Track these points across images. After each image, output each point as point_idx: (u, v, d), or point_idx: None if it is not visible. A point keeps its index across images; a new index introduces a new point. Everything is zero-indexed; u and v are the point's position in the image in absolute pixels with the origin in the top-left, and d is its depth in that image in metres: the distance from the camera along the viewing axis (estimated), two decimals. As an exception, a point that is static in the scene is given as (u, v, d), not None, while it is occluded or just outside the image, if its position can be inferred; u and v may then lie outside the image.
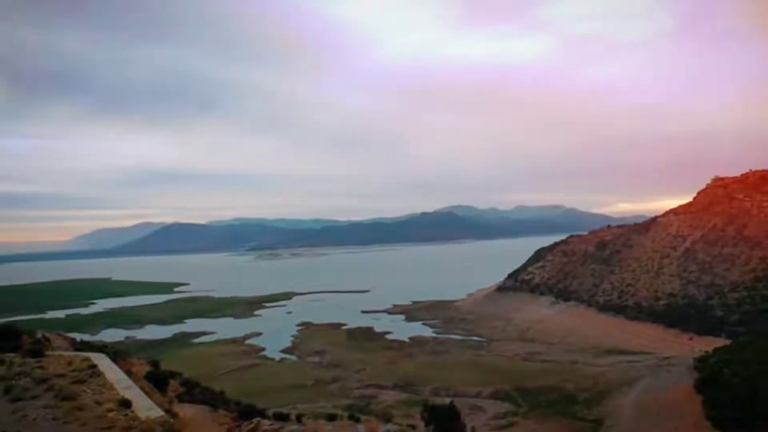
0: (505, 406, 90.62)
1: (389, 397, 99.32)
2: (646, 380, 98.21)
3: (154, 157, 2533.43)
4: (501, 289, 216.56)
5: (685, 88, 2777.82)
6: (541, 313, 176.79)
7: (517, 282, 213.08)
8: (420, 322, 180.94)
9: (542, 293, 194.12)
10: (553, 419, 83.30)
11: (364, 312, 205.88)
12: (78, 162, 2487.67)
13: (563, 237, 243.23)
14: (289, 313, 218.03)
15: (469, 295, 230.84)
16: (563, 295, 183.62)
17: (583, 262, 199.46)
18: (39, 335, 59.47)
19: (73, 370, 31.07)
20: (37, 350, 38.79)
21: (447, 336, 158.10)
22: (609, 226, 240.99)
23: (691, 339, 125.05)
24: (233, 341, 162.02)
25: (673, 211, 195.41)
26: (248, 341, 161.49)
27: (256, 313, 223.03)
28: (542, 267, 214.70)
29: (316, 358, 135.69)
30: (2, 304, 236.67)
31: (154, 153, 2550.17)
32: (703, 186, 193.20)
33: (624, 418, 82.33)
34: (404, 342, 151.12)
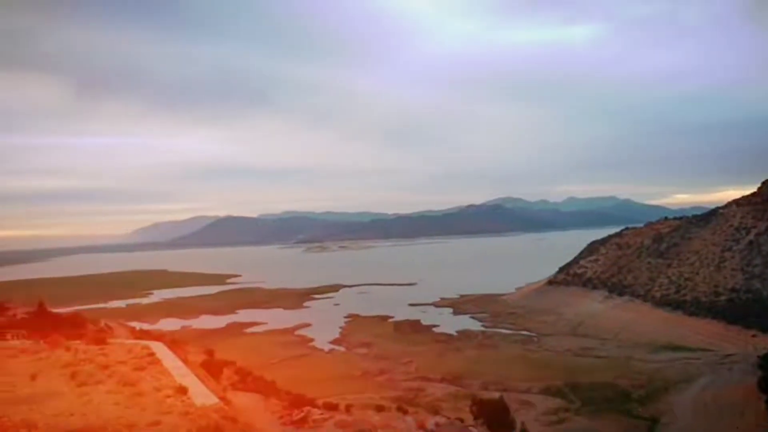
0: (556, 402, 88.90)
1: (437, 390, 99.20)
2: (706, 378, 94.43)
3: (208, 153, 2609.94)
4: (552, 283, 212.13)
5: (748, 72, 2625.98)
6: (593, 307, 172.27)
7: (569, 276, 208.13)
8: (468, 316, 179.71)
9: (595, 287, 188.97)
10: (606, 416, 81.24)
11: (411, 305, 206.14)
12: (137, 158, 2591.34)
13: (617, 229, 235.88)
14: (336, 305, 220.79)
15: (518, 289, 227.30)
16: (617, 289, 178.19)
17: (638, 255, 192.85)
18: (102, 324, 62.61)
19: (134, 358, 32.54)
20: (101, 338, 40.86)
21: (495, 330, 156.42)
22: (666, 218, 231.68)
23: (754, 336, 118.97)
24: (284, 332, 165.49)
25: (736, 202, 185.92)
26: (298, 332, 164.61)
27: (305, 304, 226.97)
28: (595, 260, 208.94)
29: (364, 350, 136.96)
30: (68, 294, 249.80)
31: (208, 148, 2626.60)
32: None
33: (681, 416, 79.43)
34: (452, 335, 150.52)
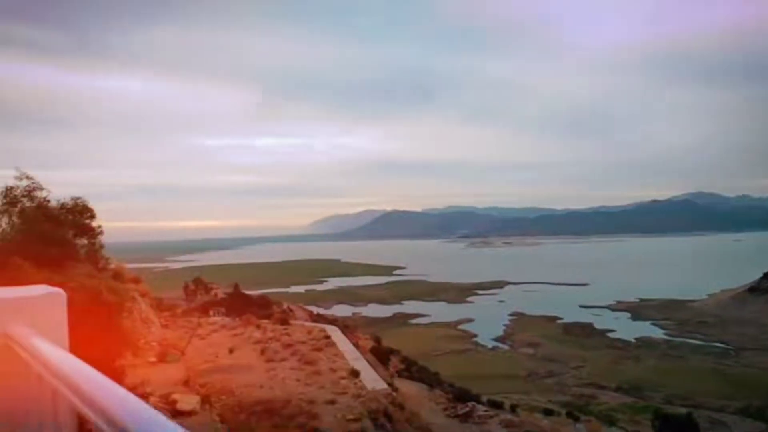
0: (758, 426, 76.85)
1: (611, 399, 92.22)
2: None
3: (376, 149, 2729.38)
4: (754, 290, 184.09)
5: None
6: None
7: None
8: (649, 322, 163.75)
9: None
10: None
11: (582, 306, 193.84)
12: (313, 156, 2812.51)
13: None
14: (501, 301, 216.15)
15: (711, 295, 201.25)
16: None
17: None
18: (285, 306, 69.08)
19: (312, 339, 35.23)
20: (285, 319, 45.03)
21: (682, 340, 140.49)
22: None
23: None
24: (446, 325, 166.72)
25: None
26: (460, 326, 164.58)
27: (468, 299, 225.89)
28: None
29: (530, 350, 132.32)
30: (257, 278, 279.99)
31: (376, 145, 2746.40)
32: None
33: None
34: (629, 342, 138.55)
